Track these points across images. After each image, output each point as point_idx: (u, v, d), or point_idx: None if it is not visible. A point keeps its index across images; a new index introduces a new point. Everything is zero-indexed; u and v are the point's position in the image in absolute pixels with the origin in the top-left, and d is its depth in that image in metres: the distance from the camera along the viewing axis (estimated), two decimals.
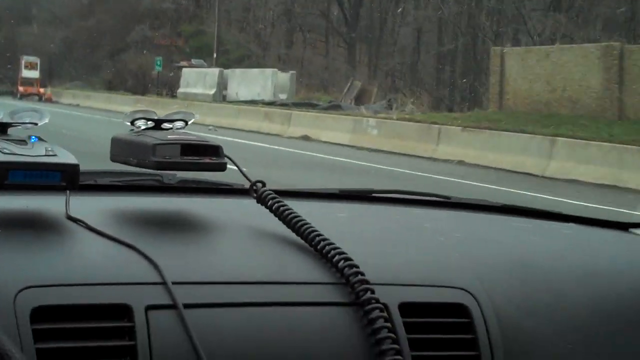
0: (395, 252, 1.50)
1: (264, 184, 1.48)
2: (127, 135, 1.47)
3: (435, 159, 17.82)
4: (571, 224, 1.93)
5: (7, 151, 1.28)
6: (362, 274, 1.27)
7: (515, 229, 1.86)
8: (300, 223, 1.37)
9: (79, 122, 23.94)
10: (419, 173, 14.62)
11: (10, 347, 0.96)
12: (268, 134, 23.40)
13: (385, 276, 1.34)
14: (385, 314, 1.24)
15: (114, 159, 1.49)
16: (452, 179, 13.88)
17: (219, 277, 1.26)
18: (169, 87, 46.85)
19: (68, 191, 1.40)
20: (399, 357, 1.21)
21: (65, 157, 1.31)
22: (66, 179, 1.30)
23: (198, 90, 36.59)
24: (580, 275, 1.57)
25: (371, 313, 1.23)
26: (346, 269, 1.28)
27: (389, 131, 20.03)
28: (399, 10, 50.85)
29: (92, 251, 1.29)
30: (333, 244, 1.32)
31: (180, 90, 38.33)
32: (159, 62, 43.63)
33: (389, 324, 1.23)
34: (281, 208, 1.41)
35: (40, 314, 1.11)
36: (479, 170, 16.13)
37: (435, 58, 51.16)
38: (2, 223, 1.32)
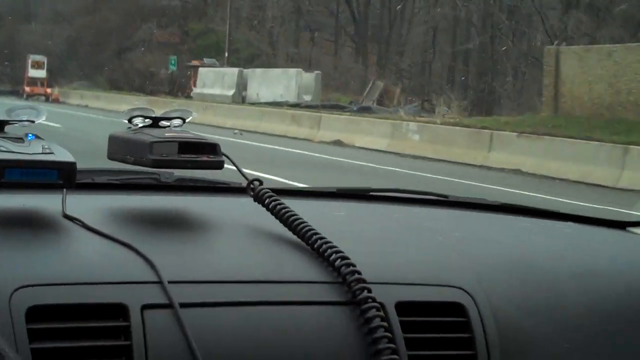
0: (393, 251, 1.51)
1: (261, 182, 1.47)
2: (124, 133, 1.47)
3: (487, 167, 16.52)
4: (570, 223, 1.92)
5: (3, 149, 1.28)
6: (359, 273, 1.27)
7: (514, 228, 1.86)
8: (297, 222, 1.37)
9: (93, 125, 22.56)
10: (473, 182, 13.63)
11: (4, 346, 0.98)
12: (295, 138, 22.22)
13: (382, 275, 1.34)
14: (381, 313, 1.25)
15: (111, 157, 1.48)
16: (514, 190, 12.50)
17: (216, 276, 1.26)
18: (177, 87, 45.58)
19: (65, 189, 1.39)
20: (395, 356, 1.21)
21: (62, 155, 1.32)
22: (63, 177, 1.31)
23: (215, 90, 35.24)
24: (579, 275, 1.56)
25: (367, 312, 1.24)
26: (343, 267, 1.28)
27: (432, 136, 18.72)
28: (416, 10, 49.48)
29: (88, 250, 1.29)
30: (330, 242, 1.32)
31: (196, 90, 37.00)
32: (173, 62, 42.38)
33: (385, 323, 1.24)
34: (278, 206, 1.41)
35: (35, 313, 1.11)
36: (539, 180, 15.00)
37: (451, 57, 49.68)
38: None
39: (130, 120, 1.49)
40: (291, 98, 32.46)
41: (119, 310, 1.16)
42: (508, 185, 13.36)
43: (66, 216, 1.39)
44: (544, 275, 1.54)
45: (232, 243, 1.45)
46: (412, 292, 1.35)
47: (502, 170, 16.23)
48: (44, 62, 47.54)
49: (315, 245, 1.34)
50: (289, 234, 1.39)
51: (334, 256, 1.31)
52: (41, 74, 47.08)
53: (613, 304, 1.54)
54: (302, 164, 15.69)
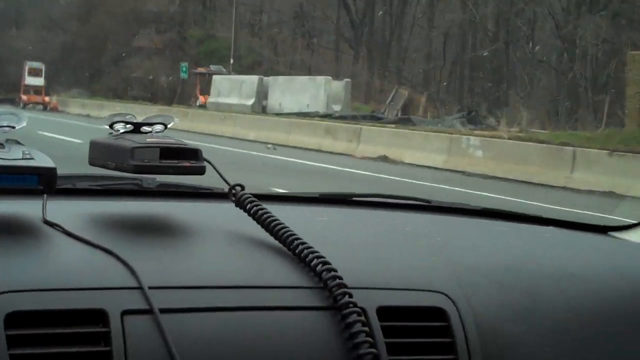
0: (374, 256, 1.53)
1: (242, 188, 1.49)
2: (105, 138, 1.49)
3: (571, 189, 14.45)
4: (551, 228, 1.95)
5: None
6: (340, 278, 1.29)
7: (496, 233, 1.88)
8: (278, 227, 1.39)
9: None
10: (560, 207, 11.44)
11: None
12: (332, 152, 20.09)
13: (364, 280, 1.36)
14: (362, 318, 1.26)
15: (92, 162, 1.50)
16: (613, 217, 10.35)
17: (196, 281, 1.27)
18: (179, 95, 43.62)
19: (45, 195, 1.41)
20: None
21: (42, 160, 1.33)
22: (43, 182, 1.32)
23: (232, 100, 33.06)
24: (560, 279, 1.59)
25: (349, 317, 1.26)
26: (324, 272, 1.30)
27: (499, 152, 16.73)
28: (420, 15, 47.79)
29: (68, 256, 1.31)
30: (311, 247, 1.34)
31: (211, 100, 34.83)
32: (184, 69, 40.42)
33: (366, 328, 1.25)
34: (260, 212, 1.43)
35: (14, 319, 1.13)
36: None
37: (460, 64, 47.89)
38: None
39: (111, 126, 1.50)
40: (319, 108, 30.19)
41: (99, 316, 1.17)
42: (604, 211, 11.23)
43: (46, 222, 1.40)
44: (525, 279, 1.55)
45: (213, 248, 1.46)
46: (394, 297, 1.36)
47: (591, 192, 14.16)
48: (41, 69, 45.60)
49: (297, 251, 1.35)
50: (270, 239, 1.40)
51: (315, 261, 1.32)
52: (39, 81, 45.12)
53: (595, 307, 1.55)
54: (352, 181, 14.42)
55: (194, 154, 1.46)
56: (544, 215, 2.03)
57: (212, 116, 28.15)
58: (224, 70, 41.07)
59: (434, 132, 19.91)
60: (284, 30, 53.69)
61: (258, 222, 1.43)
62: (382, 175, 15.50)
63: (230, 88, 35.10)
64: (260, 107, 33.00)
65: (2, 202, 1.45)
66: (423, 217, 1.97)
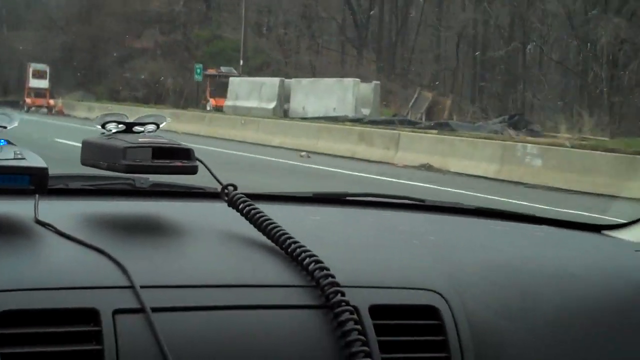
0: (367, 254, 1.54)
1: (235, 187, 1.50)
2: (97, 138, 1.50)
3: None
4: (544, 227, 1.96)
5: None
6: (333, 277, 1.30)
7: (489, 232, 1.89)
8: (270, 226, 1.40)
9: None
10: None
11: None
12: (367, 160, 18.68)
13: (356, 279, 1.37)
14: (355, 317, 1.27)
15: (84, 162, 1.51)
16: None
17: (188, 280, 1.28)
18: (185, 98, 42.36)
19: (37, 195, 1.42)
20: (368, 359, 1.24)
21: (34, 160, 1.35)
22: (35, 182, 1.34)
23: (252, 103, 31.70)
24: (554, 277, 1.60)
25: (341, 315, 1.26)
26: (316, 271, 1.31)
27: (561, 162, 15.37)
28: (424, 18, 46.69)
29: (60, 255, 1.32)
30: (304, 246, 1.35)
31: (228, 103, 33.47)
32: (198, 70, 38.94)
33: (359, 327, 1.26)
34: (252, 211, 1.44)
35: (6, 318, 1.14)
36: None
37: (472, 65, 46.65)
38: None
39: (103, 126, 1.51)
40: (347, 112, 28.99)
41: (91, 315, 1.18)
42: None
43: (38, 222, 1.41)
44: (518, 277, 1.56)
45: (206, 248, 1.47)
46: (386, 296, 1.37)
47: None
48: (46, 72, 44.35)
49: (289, 249, 1.36)
50: (262, 238, 1.41)
51: (307, 260, 1.33)
52: (43, 84, 43.81)
53: (588, 305, 1.56)
54: (397, 192, 12.38)
55: (186, 153, 1.47)
56: (538, 214, 2.06)
57: (232, 120, 26.69)
58: (235, 71, 39.67)
59: (482, 138, 18.48)
60: (291, 30, 52.42)
61: (250, 222, 1.44)
62: (430, 185, 14.35)
63: (249, 90, 33.89)
64: (282, 111, 31.79)
65: None
66: (417, 216, 1.97)
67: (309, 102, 30.90)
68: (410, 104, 31.04)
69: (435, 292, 1.39)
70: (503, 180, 15.78)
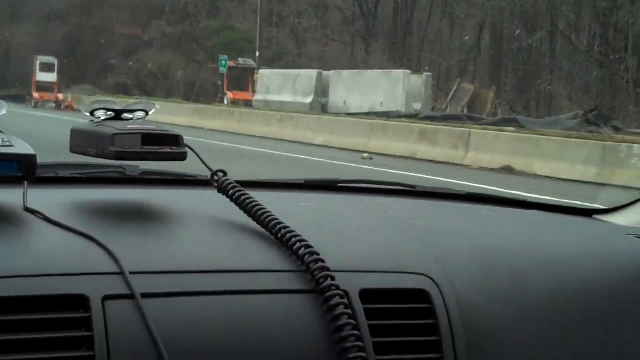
0: (357, 239, 1.56)
1: (225, 174, 1.52)
2: (86, 125, 1.52)
3: None
4: (535, 211, 1.98)
5: None
6: (323, 261, 1.31)
7: (480, 217, 1.90)
8: (260, 211, 1.42)
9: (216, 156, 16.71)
10: None
11: None
12: (432, 161, 16.73)
13: (346, 263, 1.39)
14: (345, 301, 1.29)
15: (73, 150, 1.52)
16: None
17: (178, 266, 1.30)
18: (197, 92, 40.71)
19: (26, 182, 1.45)
20: (359, 343, 1.25)
21: (22, 148, 1.36)
22: (23, 169, 1.35)
23: (285, 97, 29.68)
24: (544, 261, 1.61)
25: (331, 300, 1.28)
26: (306, 256, 1.32)
27: None
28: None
29: (49, 242, 1.34)
30: (294, 231, 1.37)
31: (258, 97, 31.41)
32: (223, 62, 36.75)
33: (349, 311, 1.28)
34: (242, 197, 1.46)
35: None
36: None
37: (491, 56, 45.00)
38: None
39: (92, 113, 1.53)
40: (397, 107, 26.62)
41: (80, 302, 1.19)
42: None
43: (27, 209, 1.42)
44: (509, 261, 1.57)
45: (195, 234, 1.48)
46: (376, 280, 1.38)
47: None
48: (54, 64, 42.53)
49: (279, 235, 1.38)
50: (252, 224, 1.43)
51: (297, 245, 1.35)
52: (51, 77, 41.92)
53: (579, 289, 1.57)
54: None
55: (175, 140, 1.49)
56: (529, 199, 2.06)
57: (266, 116, 24.64)
58: (254, 63, 37.64)
59: (576, 137, 16.38)
60: (304, 20, 50.70)
61: (240, 208, 1.45)
62: (532, 195, 12.14)
63: (282, 84, 32.00)
64: (320, 106, 29.74)
65: None
66: (408, 201, 1.98)
67: (352, 96, 28.78)
68: (449, 96, 29.02)
69: (425, 276, 1.40)
70: (604, 184, 13.87)
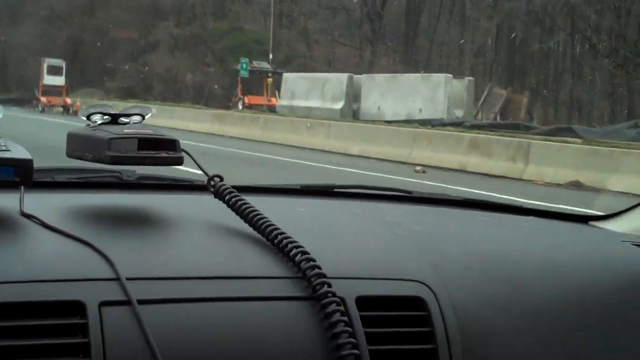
0: (354, 245, 1.56)
1: (221, 179, 1.52)
2: (82, 130, 1.52)
3: None
4: (531, 217, 1.98)
5: None
6: (319, 268, 1.32)
7: (476, 223, 1.90)
8: (257, 217, 1.43)
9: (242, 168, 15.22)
10: None
11: None
12: (485, 174, 15.49)
13: (343, 270, 1.39)
14: (341, 308, 1.29)
15: (70, 154, 1.53)
16: None
17: (174, 272, 1.31)
18: (205, 97, 39.85)
19: (22, 187, 1.45)
20: (355, 351, 1.26)
21: (18, 152, 1.37)
22: (20, 174, 1.36)
23: (313, 103, 28.32)
24: (541, 268, 1.61)
25: (327, 307, 1.28)
26: (303, 262, 1.33)
27: None
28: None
29: (45, 247, 1.34)
30: (290, 237, 1.38)
31: (283, 102, 29.92)
32: (244, 65, 35.44)
33: (345, 318, 1.29)
34: (238, 202, 1.46)
35: None
36: None
37: (507, 57, 43.93)
38: None
39: (88, 117, 1.53)
40: (437, 114, 25.26)
41: (77, 308, 1.19)
42: None
43: (24, 214, 1.43)
44: (505, 268, 1.57)
45: (192, 240, 1.48)
46: (373, 287, 1.39)
47: None
48: (62, 67, 41.39)
49: (276, 241, 1.39)
50: (249, 230, 1.44)
51: (294, 251, 1.35)
52: (59, 81, 40.76)
53: (575, 295, 1.57)
54: None
55: (171, 144, 1.49)
56: (524, 206, 2.07)
57: (293, 123, 23.20)
58: (269, 66, 36.38)
59: None
60: (315, 22, 49.71)
61: (237, 213, 1.46)
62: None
63: (309, 88, 30.34)
64: (351, 112, 28.27)
65: None
66: (404, 207, 1.99)
67: (386, 102, 27.26)
68: (480, 102, 27.71)
69: (421, 283, 1.42)
70: None
